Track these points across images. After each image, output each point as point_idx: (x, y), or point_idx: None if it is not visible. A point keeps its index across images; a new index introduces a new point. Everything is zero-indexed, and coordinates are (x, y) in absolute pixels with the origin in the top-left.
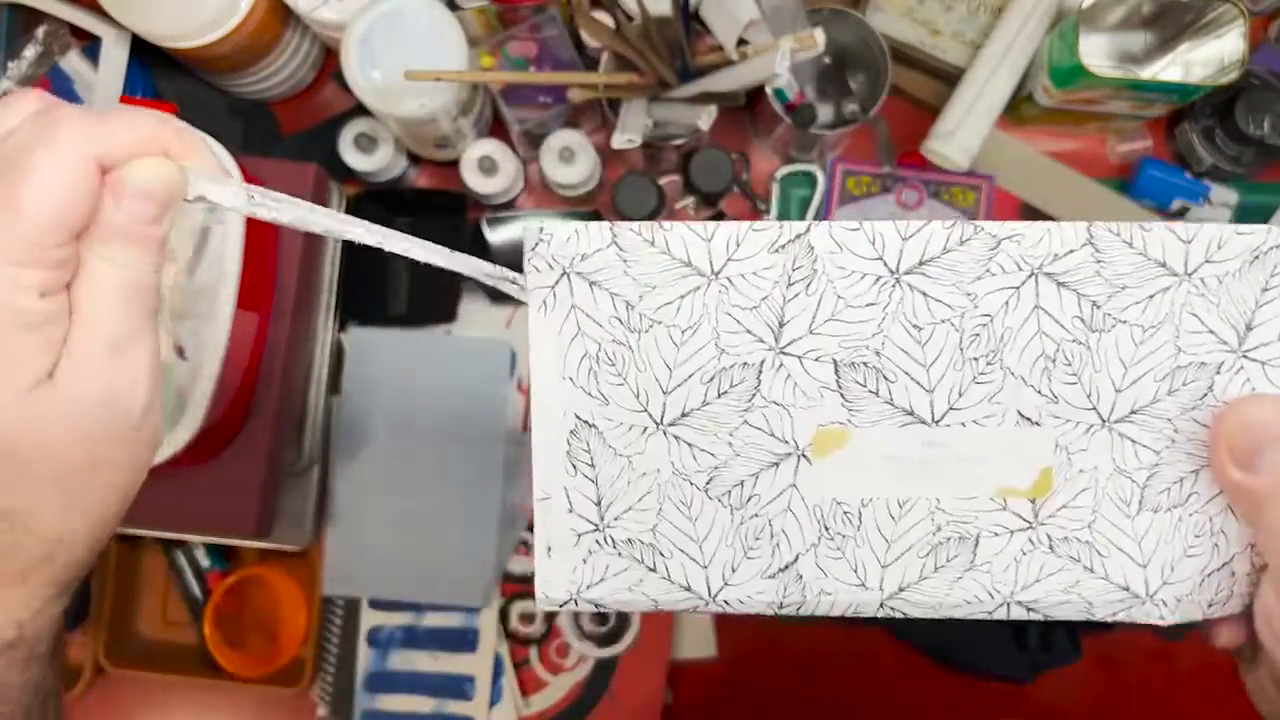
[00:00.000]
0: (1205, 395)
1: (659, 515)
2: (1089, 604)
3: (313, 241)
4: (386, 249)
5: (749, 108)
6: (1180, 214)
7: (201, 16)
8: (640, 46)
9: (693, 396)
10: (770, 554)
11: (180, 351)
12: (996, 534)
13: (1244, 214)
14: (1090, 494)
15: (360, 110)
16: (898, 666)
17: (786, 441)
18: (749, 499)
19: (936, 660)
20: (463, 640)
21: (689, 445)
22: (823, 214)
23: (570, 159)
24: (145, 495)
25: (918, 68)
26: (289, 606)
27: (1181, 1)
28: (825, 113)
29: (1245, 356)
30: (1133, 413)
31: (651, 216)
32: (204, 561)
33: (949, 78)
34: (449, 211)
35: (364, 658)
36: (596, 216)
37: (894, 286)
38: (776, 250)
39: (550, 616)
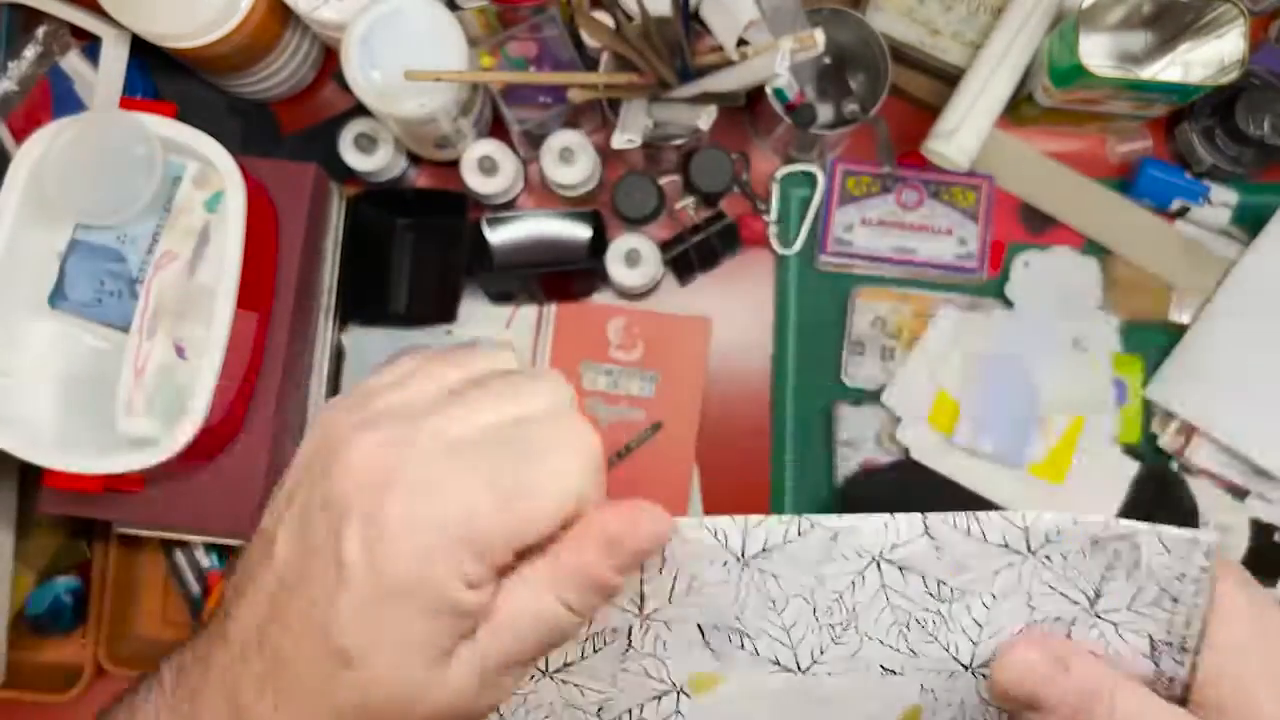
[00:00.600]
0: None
1: None
2: None
3: (313, 242)
4: None
5: (749, 108)
6: (1180, 214)
7: (202, 16)
8: (640, 46)
9: (570, 652)
10: None
11: (180, 352)
12: None
13: (1244, 214)
14: None
15: (360, 110)
16: None
17: (664, 681)
18: None
19: None
20: None
21: (576, 686)
22: (823, 214)
23: (570, 159)
24: (146, 495)
25: (918, 68)
26: None
27: (1181, 1)
28: (825, 113)
29: (1098, 617)
30: (991, 660)
31: (651, 217)
32: (204, 561)
33: (949, 78)
34: (449, 212)
35: None
36: (596, 216)
37: (743, 569)
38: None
39: None
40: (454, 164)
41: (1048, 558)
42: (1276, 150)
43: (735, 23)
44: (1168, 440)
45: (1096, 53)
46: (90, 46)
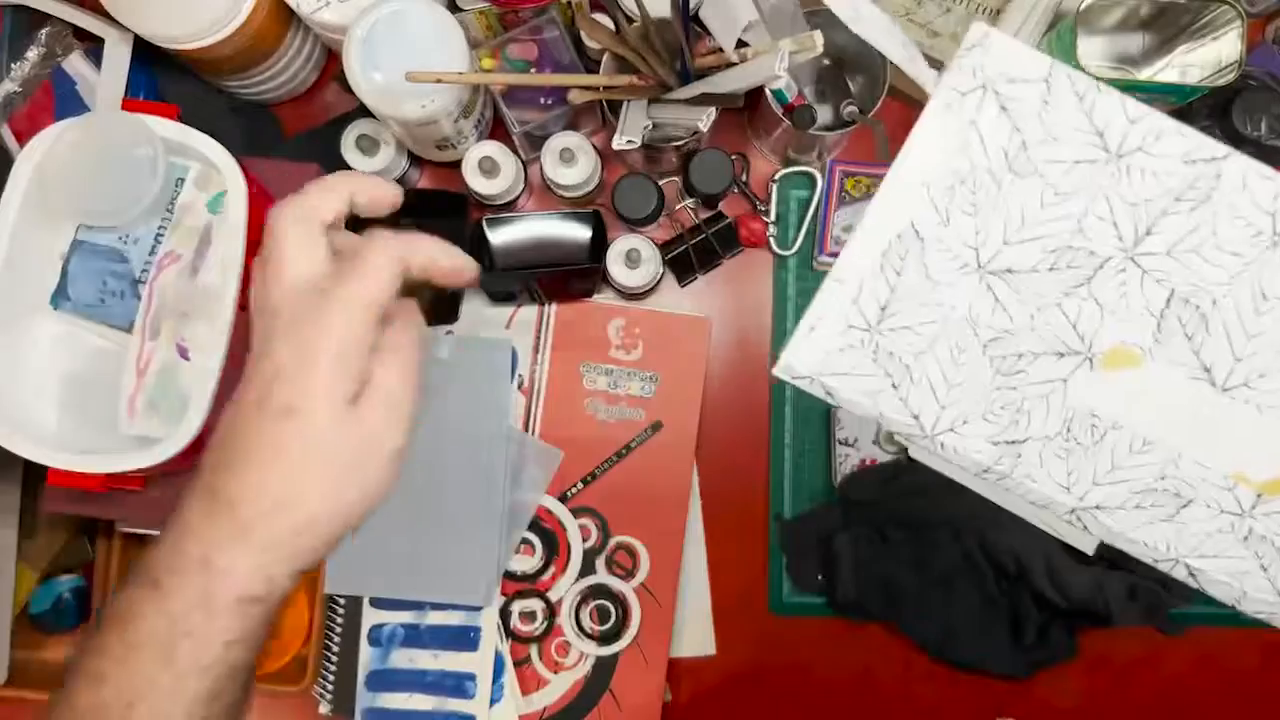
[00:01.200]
0: None
1: (930, 345)
2: (1243, 593)
3: None
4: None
5: (748, 109)
6: None
7: (204, 18)
8: (640, 48)
9: (1027, 258)
10: (1006, 425)
11: (183, 352)
12: (1209, 506)
13: None
14: None
15: (362, 112)
16: (897, 665)
17: (1084, 340)
18: (1017, 372)
19: (934, 657)
20: (464, 638)
21: (996, 300)
22: (821, 215)
23: (571, 160)
24: (148, 494)
25: None
26: (291, 605)
27: (1179, 3)
28: (824, 114)
29: None
30: None
31: (651, 217)
32: None
33: None
34: (450, 212)
35: (365, 656)
36: (597, 217)
37: (1270, 248)
38: (1188, 162)
39: (551, 615)
40: (455, 165)
41: None
42: (1274, 152)
43: (735, 24)
44: None
45: (1094, 54)
46: (93, 48)
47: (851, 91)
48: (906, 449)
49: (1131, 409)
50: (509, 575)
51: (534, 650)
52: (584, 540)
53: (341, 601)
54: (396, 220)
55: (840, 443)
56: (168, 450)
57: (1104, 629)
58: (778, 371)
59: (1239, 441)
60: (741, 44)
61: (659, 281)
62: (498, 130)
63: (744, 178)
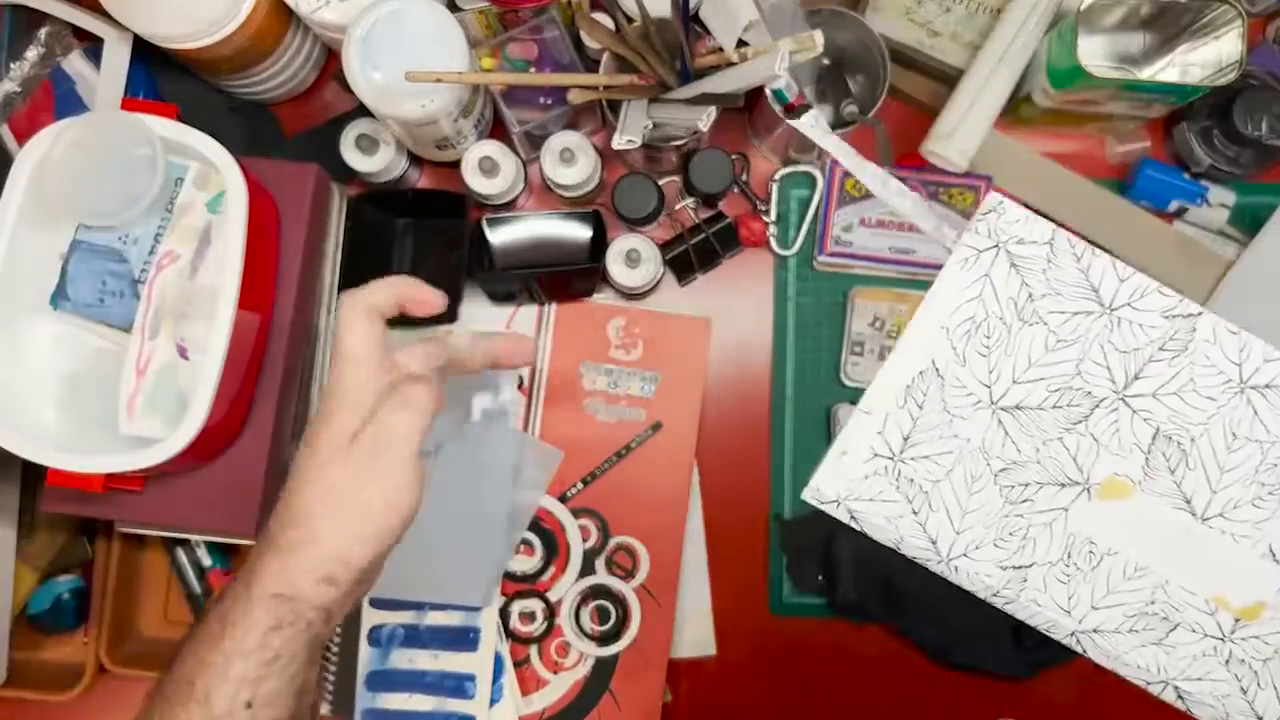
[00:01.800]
0: None
1: (947, 474)
2: (1225, 714)
3: (314, 242)
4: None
5: (748, 109)
6: (1179, 214)
7: (203, 18)
8: (640, 48)
9: (1033, 396)
10: (1014, 551)
11: (182, 352)
12: (1193, 630)
13: (1242, 214)
14: None
15: (361, 111)
16: (897, 665)
17: (1083, 472)
18: (1024, 501)
19: (935, 658)
20: (463, 639)
21: (1006, 433)
22: (822, 215)
23: (570, 160)
24: (147, 494)
25: (916, 69)
26: None
27: (1180, 2)
28: (824, 114)
29: None
30: None
31: (651, 217)
32: (205, 560)
33: (948, 79)
34: (450, 212)
35: (365, 656)
36: (597, 217)
37: (1236, 394)
38: (1168, 317)
39: (551, 615)
40: (455, 165)
41: None
42: (1274, 151)
43: (735, 24)
44: None
45: (1095, 54)
46: (92, 48)
47: (852, 91)
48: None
49: (1125, 536)
50: (509, 576)
51: (534, 651)
52: (584, 540)
53: None
54: (395, 220)
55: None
56: (167, 450)
57: None
58: (807, 495)
59: (1218, 568)
60: (741, 44)
61: (659, 281)
62: (497, 130)
63: (744, 177)
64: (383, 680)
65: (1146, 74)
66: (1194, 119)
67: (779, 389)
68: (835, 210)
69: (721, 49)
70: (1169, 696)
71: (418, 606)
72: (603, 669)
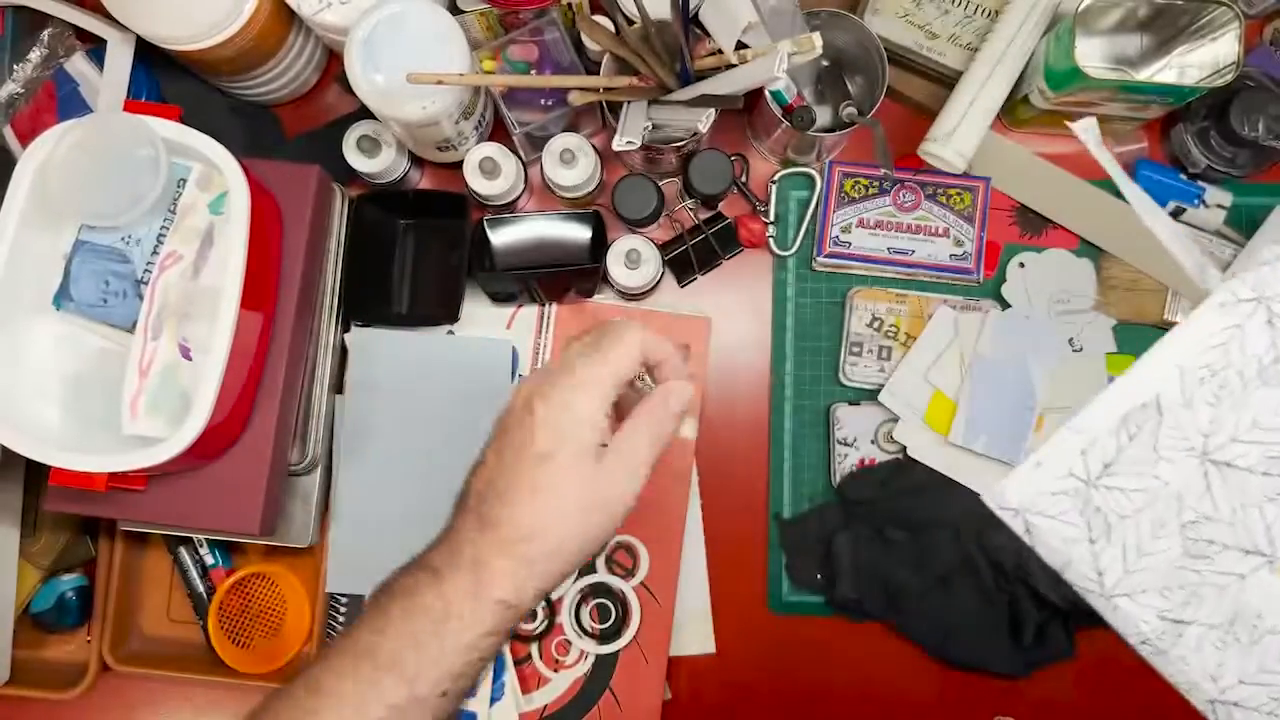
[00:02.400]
0: None
1: (1136, 511)
2: None
3: (316, 243)
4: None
5: (748, 110)
6: (1175, 215)
7: (206, 20)
8: (640, 50)
9: (1248, 457)
10: (1179, 604)
11: (185, 352)
12: None
13: (1238, 215)
14: None
15: (363, 113)
16: (895, 663)
17: (1273, 545)
18: (1204, 557)
19: (934, 656)
20: None
21: (1208, 487)
22: (821, 216)
23: (571, 161)
24: (150, 493)
25: (915, 71)
26: (293, 603)
27: (1177, 4)
28: (823, 115)
29: None
30: None
31: (651, 218)
32: (208, 558)
33: (946, 81)
34: (451, 213)
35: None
36: (597, 217)
37: None
38: None
39: (551, 613)
40: (456, 166)
41: None
42: (1271, 152)
43: (734, 26)
44: None
45: (1092, 55)
46: (95, 49)
47: (850, 93)
48: (905, 448)
49: None
50: None
51: (534, 649)
52: None
53: (343, 600)
54: (396, 221)
55: (839, 442)
56: (170, 450)
57: (1103, 628)
58: (988, 498)
59: None
60: (741, 46)
61: (659, 282)
62: (498, 131)
63: (743, 178)
64: None
65: (1144, 75)
66: (1191, 120)
67: (778, 389)
68: (834, 211)
69: (721, 51)
70: None
71: None
72: (603, 667)
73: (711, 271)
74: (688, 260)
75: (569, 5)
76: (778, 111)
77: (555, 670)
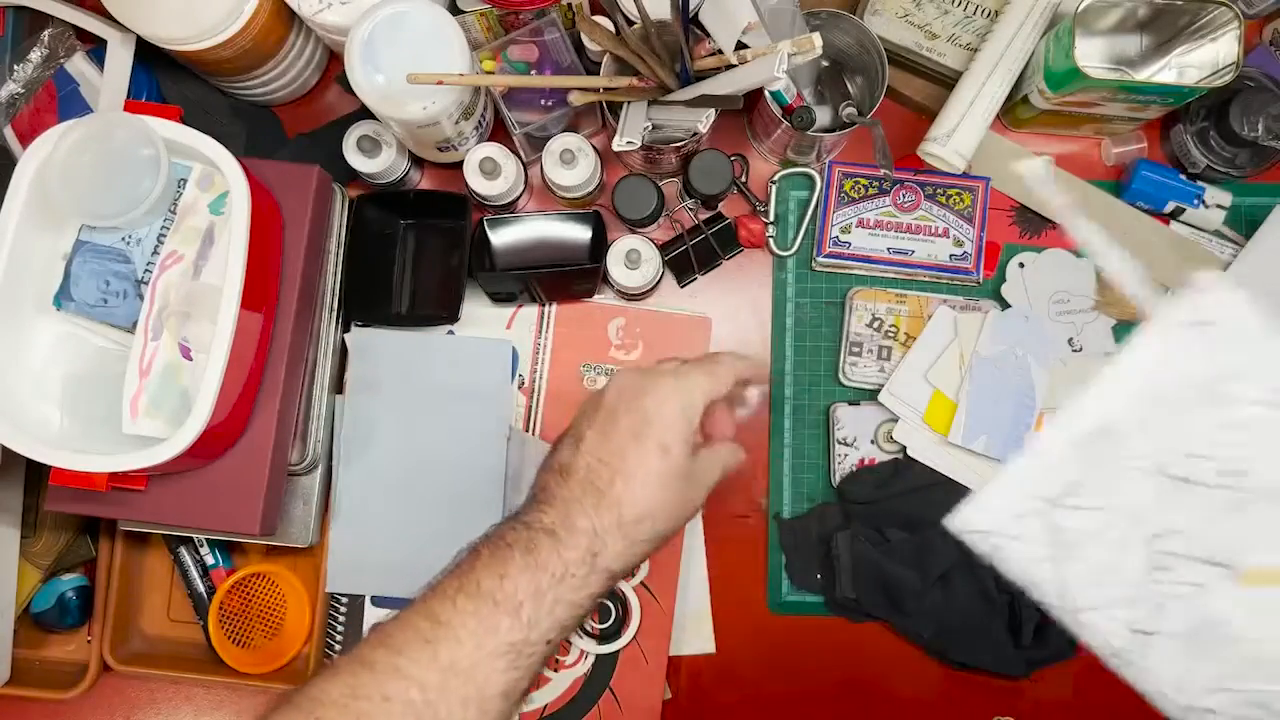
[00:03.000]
0: None
1: (1099, 529)
2: None
3: (316, 243)
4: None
5: (748, 111)
6: (1175, 215)
7: (206, 20)
8: (640, 50)
9: (1202, 472)
10: (1145, 615)
11: (185, 352)
12: None
13: (1238, 215)
14: None
15: (363, 113)
16: (894, 663)
17: (1232, 556)
18: (1166, 569)
19: (933, 656)
20: None
21: (1168, 502)
22: (820, 216)
23: (571, 161)
24: (151, 493)
25: (914, 71)
26: (293, 603)
27: (1177, 4)
28: (823, 115)
29: None
30: None
31: (651, 218)
32: (209, 558)
33: (945, 81)
34: (451, 213)
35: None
36: (597, 218)
37: None
38: None
39: None
40: (456, 166)
41: None
42: (1271, 152)
43: (734, 26)
44: None
45: (1092, 55)
46: (96, 49)
47: (850, 93)
48: (905, 448)
49: (1257, 625)
50: None
51: None
52: None
53: (343, 600)
54: (397, 221)
55: (839, 442)
56: (170, 450)
57: None
58: (954, 523)
59: None
60: (741, 46)
61: (659, 282)
62: (498, 131)
63: (743, 179)
64: None
65: (1143, 76)
66: (1191, 120)
67: (778, 389)
68: (834, 211)
69: (721, 51)
70: None
71: None
72: (603, 666)
73: (711, 271)
74: (688, 260)
75: (569, 5)
76: (778, 112)
77: (555, 670)
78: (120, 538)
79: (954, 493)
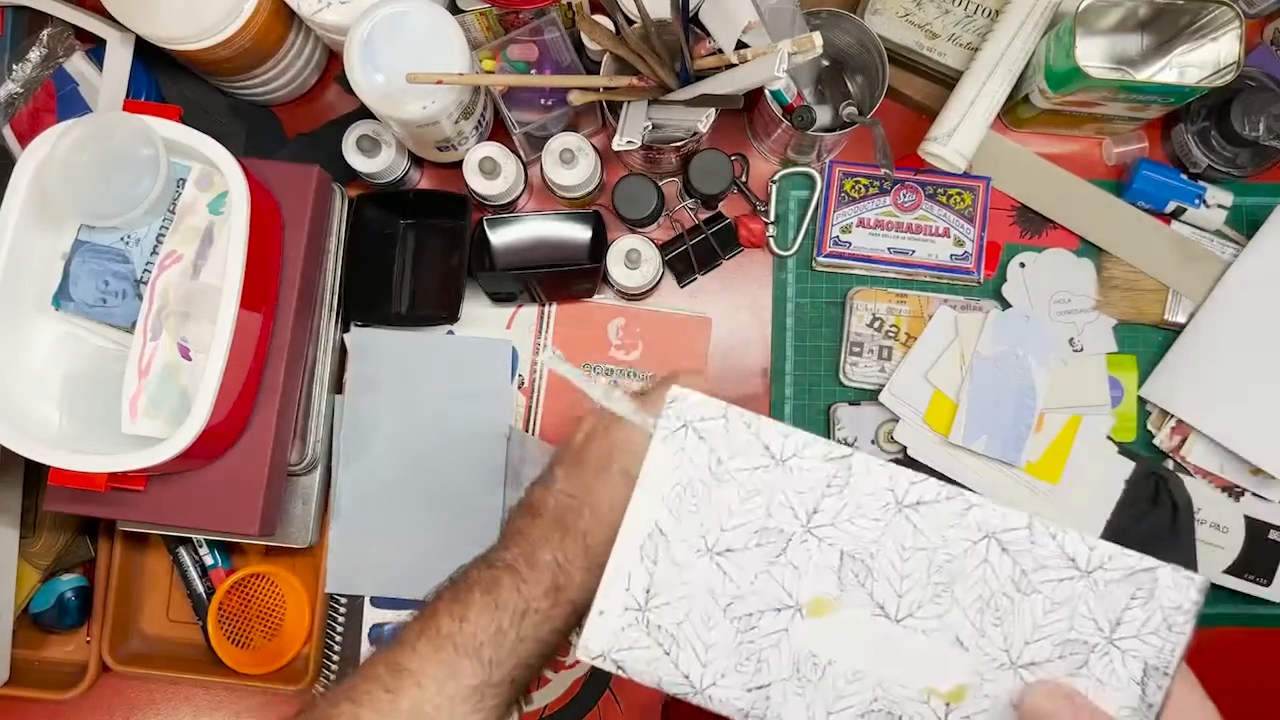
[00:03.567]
0: (1082, 666)
1: (686, 616)
2: None
3: (316, 243)
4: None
5: (748, 110)
6: (1176, 215)
7: (205, 19)
8: (640, 50)
9: (739, 539)
10: (752, 673)
11: (184, 352)
12: (913, 719)
13: (1239, 215)
14: (987, 715)
15: (363, 113)
16: None
17: (791, 596)
18: (751, 628)
19: None
20: None
21: (724, 573)
22: (821, 215)
23: (571, 161)
24: (150, 493)
25: (915, 71)
26: (292, 604)
27: (1178, 4)
28: (823, 115)
29: (1113, 644)
30: (1032, 663)
31: (651, 218)
32: (208, 559)
33: (946, 80)
34: (451, 213)
35: (367, 655)
36: (597, 217)
37: (896, 513)
38: (828, 460)
39: None
40: (456, 166)
41: (1095, 582)
42: (1272, 152)
43: (734, 26)
44: (1163, 439)
45: (1093, 55)
46: (95, 49)
47: (851, 92)
48: (905, 449)
49: (838, 646)
50: None
51: None
52: None
53: (343, 601)
54: (396, 221)
55: (839, 442)
56: (170, 450)
57: None
58: (580, 654)
59: (920, 661)
60: (741, 45)
61: (659, 282)
62: (498, 131)
63: (743, 178)
64: None
65: (1144, 75)
66: (1192, 120)
67: (778, 389)
68: (834, 211)
69: (721, 51)
70: None
71: (418, 605)
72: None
73: (711, 271)
74: (688, 260)
75: (569, 5)
76: (778, 111)
77: (555, 671)
78: (119, 538)
79: None
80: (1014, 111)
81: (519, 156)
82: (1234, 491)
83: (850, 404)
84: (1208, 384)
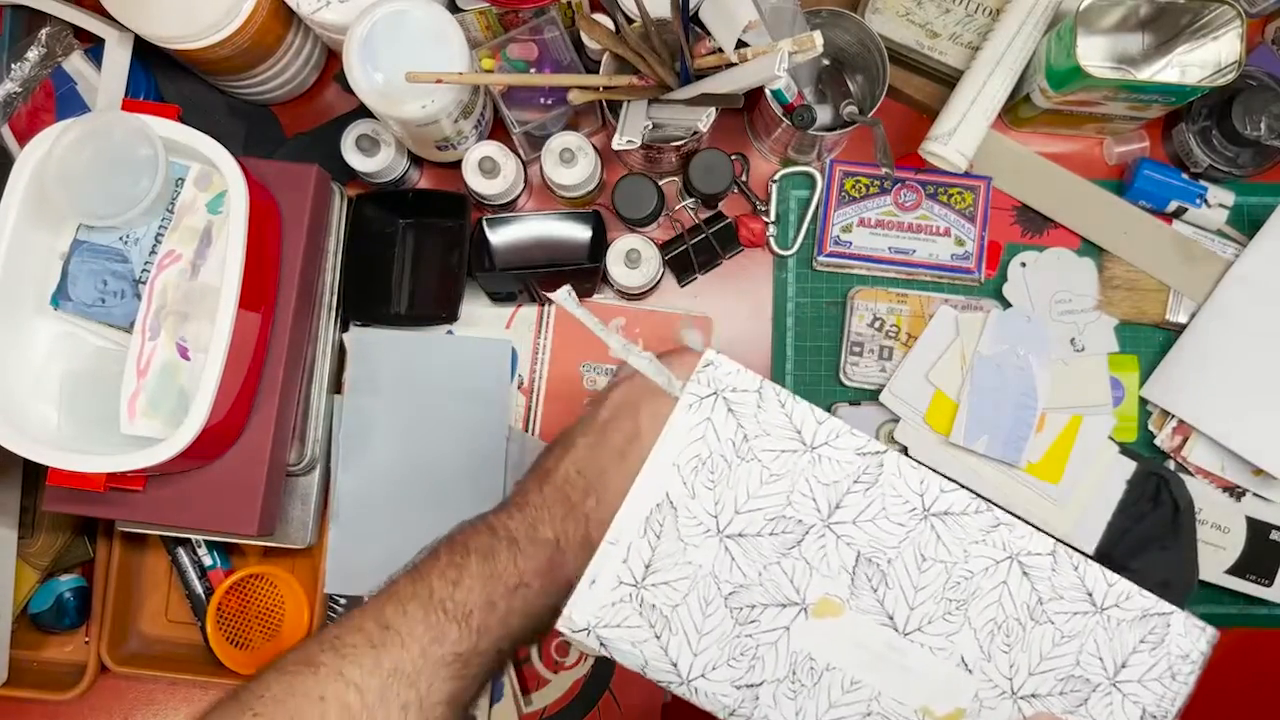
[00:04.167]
0: (1081, 705)
1: (683, 599)
2: None
3: (315, 242)
4: None
5: (748, 110)
6: (1177, 214)
7: (204, 19)
8: (640, 49)
9: (753, 524)
10: (745, 670)
11: (183, 352)
12: None
13: (1240, 215)
14: None
15: (362, 112)
16: None
17: (799, 593)
18: (751, 621)
19: None
20: None
21: (732, 559)
22: (821, 215)
23: (571, 160)
24: (148, 494)
25: (916, 70)
26: (292, 604)
27: (1179, 3)
28: (824, 114)
29: (1115, 686)
30: (1033, 695)
31: (651, 217)
32: (207, 559)
33: (947, 80)
34: (450, 212)
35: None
36: (597, 217)
37: (921, 519)
38: (860, 454)
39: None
40: (455, 165)
41: (1108, 619)
42: (1273, 151)
43: (734, 25)
44: (1164, 439)
45: (1094, 54)
46: (93, 48)
47: (851, 91)
48: (906, 449)
49: (840, 652)
50: None
51: (534, 650)
52: None
53: (342, 602)
54: (396, 220)
55: None
56: (168, 450)
57: None
58: (560, 625)
59: (921, 679)
60: (741, 44)
61: (659, 281)
62: (498, 130)
63: (744, 178)
64: None
65: (1145, 75)
66: (1193, 119)
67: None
68: (835, 210)
69: (721, 50)
70: None
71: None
72: (603, 668)
73: (711, 271)
74: (688, 260)
75: (569, 4)
76: (778, 110)
77: (555, 671)
78: (118, 538)
79: None
80: (1015, 111)
81: (519, 156)
82: (1235, 492)
83: (851, 404)
84: (1209, 384)
